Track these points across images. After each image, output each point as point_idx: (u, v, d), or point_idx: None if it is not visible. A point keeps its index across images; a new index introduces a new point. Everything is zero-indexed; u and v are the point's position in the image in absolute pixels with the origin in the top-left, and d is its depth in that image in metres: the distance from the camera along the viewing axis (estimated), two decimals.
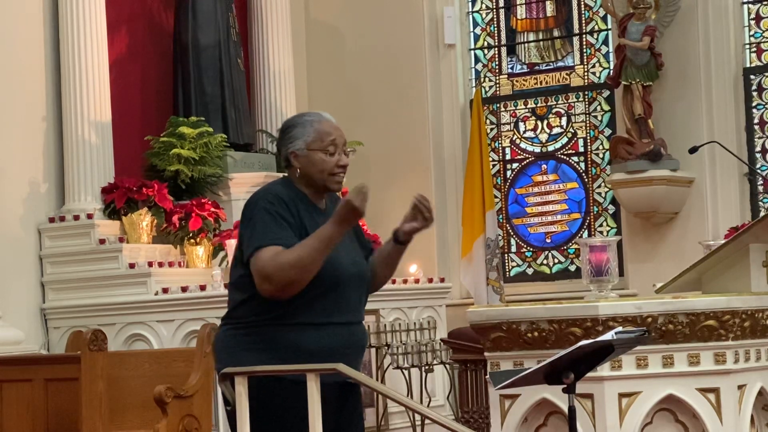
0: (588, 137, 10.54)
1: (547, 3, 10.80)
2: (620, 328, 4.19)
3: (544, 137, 10.70)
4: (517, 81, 10.87)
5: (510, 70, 10.91)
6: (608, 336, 3.90)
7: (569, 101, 10.62)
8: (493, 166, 10.64)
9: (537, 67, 10.83)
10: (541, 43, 10.83)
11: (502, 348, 4.86)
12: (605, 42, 10.53)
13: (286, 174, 4.52)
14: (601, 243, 5.08)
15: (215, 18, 9.67)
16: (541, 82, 10.79)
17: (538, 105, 10.75)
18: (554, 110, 10.68)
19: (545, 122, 10.71)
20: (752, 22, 9.97)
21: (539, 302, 5.05)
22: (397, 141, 10.56)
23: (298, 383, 4.22)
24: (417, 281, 9.57)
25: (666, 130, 9.76)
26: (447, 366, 9.15)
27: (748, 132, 9.86)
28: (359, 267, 4.45)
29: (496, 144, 10.81)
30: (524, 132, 10.78)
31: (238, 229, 4.44)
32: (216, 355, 4.48)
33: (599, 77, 10.53)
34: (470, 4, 11.03)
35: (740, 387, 4.74)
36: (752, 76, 9.91)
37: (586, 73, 10.60)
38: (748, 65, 9.93)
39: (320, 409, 4.20)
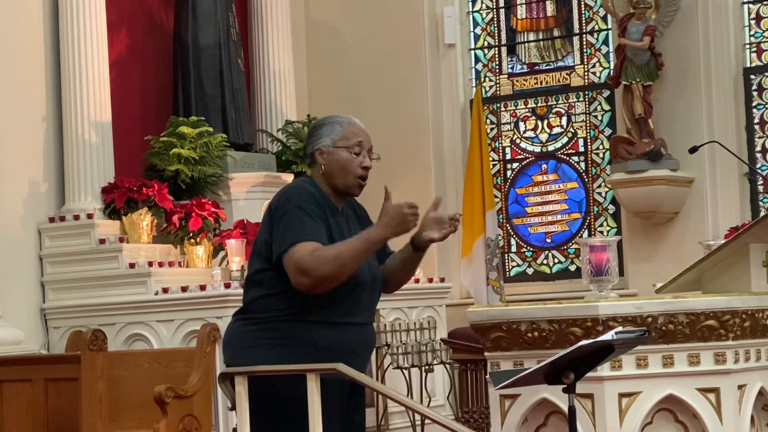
0: (588, 137, 10.55)
1: (547, 3, 10.80)
2: (620, 328, 4.19)
3: (544, 137, 10.71)
4: (517, 81, 10.87)
5: (510, 70, 10.91)
6: (608, 336, 3.91)
7: (569, 101, 10.62)
8: (493, 166, 10.64)
9: (537, 67, 10.83)
10: (541, 43, 10.83)
11: (502, 348, 4.86)
12: (605, 42, 10.53)
13: (309, 174, 4.56)
14: (601, 243, 5.08)
15: (215, 18, 9.67)
16: (541, 82, 10.79)
17: (538, 105, 10.75)
18: (554, 110, 10.68)
19: (545, 122, 10.72)
20: (752, 22, 9.98)
21: (539, 302, 5.05)
22: (397, 141, 10.56)
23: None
24: (417, 281, 9.57)
25: (666, 130, 9.76)
26: (447, 366, 9.15)
27: (748, 132, 9.86)
28: (374, 270, 4.50)
29: (496, 144, 10.81)
30: (524, 132, 10.78)
31: (263, 220, 4.45)
32: (228, 349, 4.48)
33: (599, 77, 10.53)
34: (470, 4, 11.04)
35: (740, 387, 4.74)
36: (752, 76, 9.91)
37: (586, 73, 10.60)
38: (748, 65, 9.93)
39: (320, 409, 4.21)
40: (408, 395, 8.54)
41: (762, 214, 9.57)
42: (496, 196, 10.44)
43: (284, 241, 4.30)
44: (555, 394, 4.65)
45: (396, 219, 4.30)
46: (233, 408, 4.34)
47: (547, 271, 10.66)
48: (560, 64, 10.74)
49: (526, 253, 10.73)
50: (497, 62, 10.94)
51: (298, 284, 4.27)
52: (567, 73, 10.69)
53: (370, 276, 4.46)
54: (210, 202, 8.99)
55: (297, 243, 4.27)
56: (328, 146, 4.46)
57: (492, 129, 10.79)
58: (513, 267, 10.78)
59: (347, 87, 10.90)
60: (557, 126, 10.66)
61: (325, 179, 4.47)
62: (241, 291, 4.64)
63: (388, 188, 4.39)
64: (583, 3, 10.62)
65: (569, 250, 10.55)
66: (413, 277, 9.59)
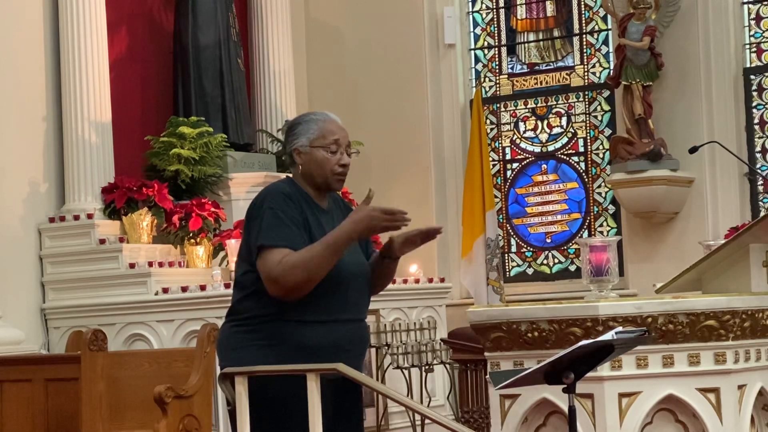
0: (588, 137, 10.55)
1: (547, 3, 10.80)
2: (620, 328, 4.19)
3: (544, 137, 10.71)
4: (517, 81, 10.87)
5: (510, 70, 10.92)
6: (608, 336, 3.90)
7: (569, 101, 10.62)
8: (493, 166, 10.64)
9: (537, 67, 10.83)
10: (541, 43, 10.83)
11: (502, 348, 4.86)
12: (605, 42, 10.53)
13: (289, 174, 4.56)
14: (601, 243, 5.08)
15: (215, 18, 9.67)
16: (541, 82, 10.79)
17: (538, 105, 10.75)
18: (554, 110, 10.69)
19: (545, 122, 10.72)
20: (752, 22, 9.98)
21: (539, 302, 5.05)
22: (397, 141, 10.56)
23: (299, 375, 4.24)
24: (417, 281, 9.57)
25: (666, 130, 9.76)
26: (447, 366, 9.15)
27: (748, 132, 9.86)
28: (362, 267, 4.48)
29: (496, 144, 10.81)
30: (524, 132, 10.78)
31: (243, 226, 4.47)
32: (219, 352, 4.50)
33: (599, 77, 10.53)
34: (470, 4, 11.04)
35: (740, 387, 4.74)
36: (752, 76, 9.91)
37: (586, 73, 10.60)
38: (748, 65, 9.93)
39: (320, 409, 4.21)
40: (408, 395, 8.54)
41: (762, 214, 9.57)
42: (496, 196, 10.44)
43: (255, 245, 4.32)
44: (555, 394, 4.65)
45: (363, 219, 4.30)
46: (231, 408, 4.34)
47: (547, 271, 10.66)
48: (560, 64, 10.74)
49: (526, 253, 10.74)
50: (497, 62, 10.94)
51: (271, 292, 4.30)
52: (567, 74, 10.69)
53: (357, 271, 4.44)
54: (210, 202, 8.99)
55: (267, 248, 4.28)
56: (305, 146, 4.45)
57: (492, 129, 10.79)
58: (513, 267, 10.78)
59: (347, 87, 10.89)
60: (557, 126, 10.66)
61: (304, 178, 4.48)
62: None
63: (372, 191, 4.39)
64: (583, 3, 10.62)
65: (569, 250, 10.55)
66: (413, 278, 9.68)
